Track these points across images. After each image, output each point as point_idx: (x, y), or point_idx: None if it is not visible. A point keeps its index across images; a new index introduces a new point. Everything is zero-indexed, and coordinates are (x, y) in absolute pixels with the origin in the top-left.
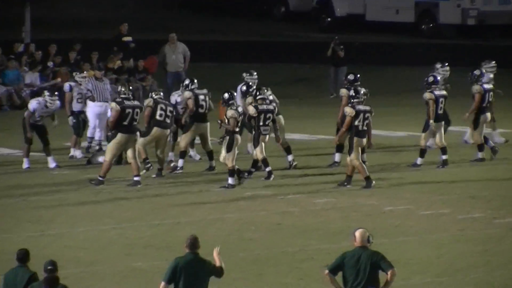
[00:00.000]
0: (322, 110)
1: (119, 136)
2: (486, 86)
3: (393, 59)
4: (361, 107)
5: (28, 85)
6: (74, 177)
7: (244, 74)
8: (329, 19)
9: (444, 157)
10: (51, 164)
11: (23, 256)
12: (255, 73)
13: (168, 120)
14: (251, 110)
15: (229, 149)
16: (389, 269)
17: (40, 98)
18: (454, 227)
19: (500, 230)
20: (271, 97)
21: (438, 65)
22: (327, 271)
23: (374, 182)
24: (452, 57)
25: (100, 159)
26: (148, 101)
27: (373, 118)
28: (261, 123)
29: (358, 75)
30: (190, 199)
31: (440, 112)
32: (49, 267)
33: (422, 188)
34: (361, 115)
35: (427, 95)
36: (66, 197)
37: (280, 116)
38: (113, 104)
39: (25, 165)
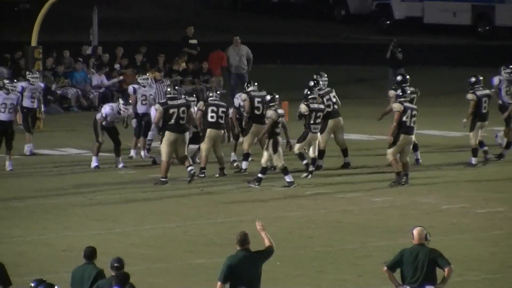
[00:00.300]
0: (381, 110)
1: (168, 134)
2: (480, 92)
3: (450, 61)
4: (408, 104)
5: (95, 87)
6: (140, 177)
7: (315, 76)
8: (388, 21)
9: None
10: (119, 164)
11: (90, 254)
12: (325, 75)
13: (221, 121)
14: (303, 108)
15: (275, 150)
16: (447, 266)
17: (113, 104)
18: (509, 225)
19: None
20: (334, 99)
21: (502, 68)
22: (385, 268)
23: (404, 179)
24: (508, 58)
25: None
26: (200, 104)
27: (428, 118)
28: (311, 122)
29: (407, 76)
30: (252, 197)
31: (484, 111)
32: (115, 264)
33: (478, 186)
34: (409, 112)
35: (469, 95)
36: (132, 196)
37: (340, 118)
38: (157, 106)
39: (93, 163)
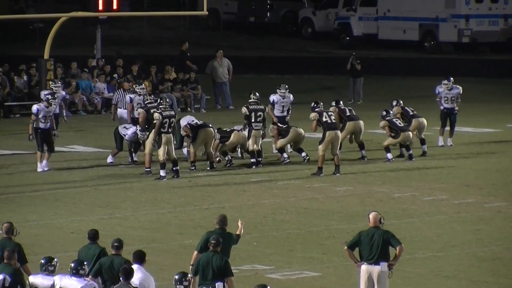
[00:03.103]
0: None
1: (151, 133)
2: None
3: (401, 71)
4: (323, 110)
5: (98, 93)
6: (137, 171)
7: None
8: (348, 38)
9: (409, 152)
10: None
11: (94, 235)
12: (285, 87)
13: (208, 123)
14: (244, 110)
15: (159, 145)
16: (398, 245)
17: (135, 129)
18: (451, 210)
19: (490, 213)
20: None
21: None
22: (346, 247)
23: (323, 174)
24: (450, 69)
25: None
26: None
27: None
28: (253, 120)
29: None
30: (232, 187)
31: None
32: (116, 244)
33: (425, 177)
34: (325, 114)
35: (394, 108)
36: (130, 186)
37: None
38: (140, 110)
39: (109, 159)
